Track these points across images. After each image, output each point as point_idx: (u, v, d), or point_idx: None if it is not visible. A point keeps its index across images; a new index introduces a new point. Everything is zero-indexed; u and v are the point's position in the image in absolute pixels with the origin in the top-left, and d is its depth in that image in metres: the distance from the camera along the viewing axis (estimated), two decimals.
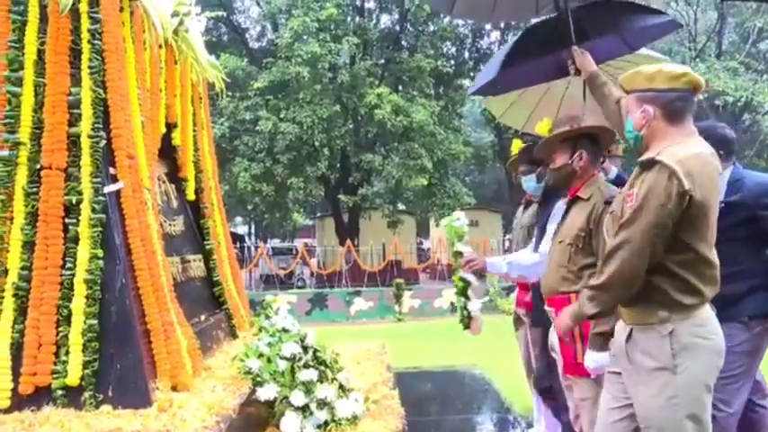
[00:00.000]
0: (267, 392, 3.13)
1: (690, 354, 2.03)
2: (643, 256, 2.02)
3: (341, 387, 3.66)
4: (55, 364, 2.71)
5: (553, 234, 2.90)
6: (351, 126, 17.90)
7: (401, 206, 20.17)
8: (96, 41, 2.98)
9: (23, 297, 2.77)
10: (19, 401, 2.67)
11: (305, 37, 16.13)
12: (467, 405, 5.27)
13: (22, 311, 2.76)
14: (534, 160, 3.42)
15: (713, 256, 2.09)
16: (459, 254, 3.29)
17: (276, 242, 31.26)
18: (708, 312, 2.10)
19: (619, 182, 3.22)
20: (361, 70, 17.03)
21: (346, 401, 3.59)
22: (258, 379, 3.15)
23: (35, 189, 2.88)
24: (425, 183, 17.00)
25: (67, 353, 2.71)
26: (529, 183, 3.57)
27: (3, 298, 2.76)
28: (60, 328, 2.75)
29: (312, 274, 19.63)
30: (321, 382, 3.52)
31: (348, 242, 14.89)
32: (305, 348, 3.40)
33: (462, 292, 3.29)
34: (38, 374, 2.69)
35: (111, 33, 3.01)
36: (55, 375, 2.70)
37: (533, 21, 3.92)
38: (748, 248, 2.94)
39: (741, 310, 2.88)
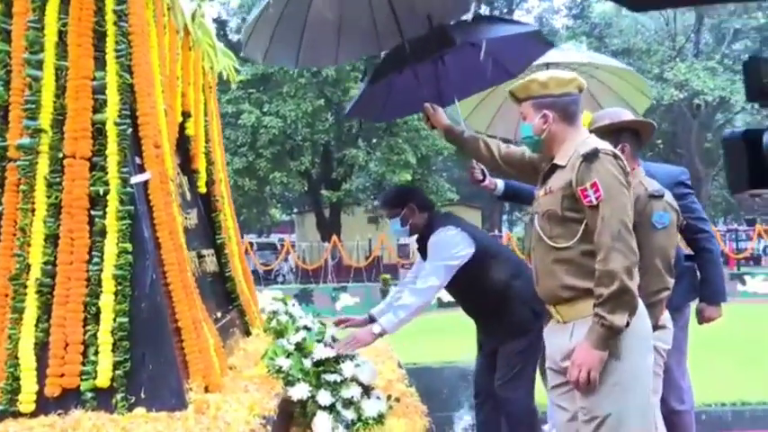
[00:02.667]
0: (299, 392, 3.02)
1: (629, 338, 2.09)
2: (631, 237, 2.08)
3: (362, 385, 3.57)
4: (83, 364, 2.55)
5: None
6: (334, 121, 17.74)
7: None
8: (122, 23, 2.81)
9: (47, 294, 2.60)
10: (45, 404, 2.51)
11: None
12: None
13: (46, 309, 2.59)
14: (395, 204, 3.40)
15: None
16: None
17: (252, 237, 30.94)
18: None
19: None
20: (346, 64, 16.88)
21: (370, 401, 3.50)
22: (290, 378, 3.04)
23: (58, 179, 2.70)
24: (409, 178, 16.97)
25: (96, 353, 2.55)
26: (396, 228, 3.46)
27: (25, 295, 2.59)
28: (88, 327, 2.58)
29: (292, 270, 19.45)
30: (344, 381, 3.42)
31: (334, 238, 14.76)
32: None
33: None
34: (65, 376, 2.53)
35: (137, 15, 2.85)
36: (84, 377, 2.53)
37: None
38: None
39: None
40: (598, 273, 2.07)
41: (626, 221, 2.08)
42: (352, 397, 3.34)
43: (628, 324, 2.06)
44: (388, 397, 3.78)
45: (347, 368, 3.38)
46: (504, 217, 31.26)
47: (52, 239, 2.66)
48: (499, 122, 4.95)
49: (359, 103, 3.74)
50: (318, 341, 3.53)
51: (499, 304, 3.25)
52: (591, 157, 2.12)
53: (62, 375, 2.53)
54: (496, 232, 22.87)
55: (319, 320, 4.01)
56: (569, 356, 2.15)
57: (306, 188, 19.21)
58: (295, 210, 28.96)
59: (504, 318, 3.25)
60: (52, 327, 2.57)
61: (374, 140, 18.64)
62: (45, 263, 2.63)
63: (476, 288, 3.29)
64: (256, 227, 31.95)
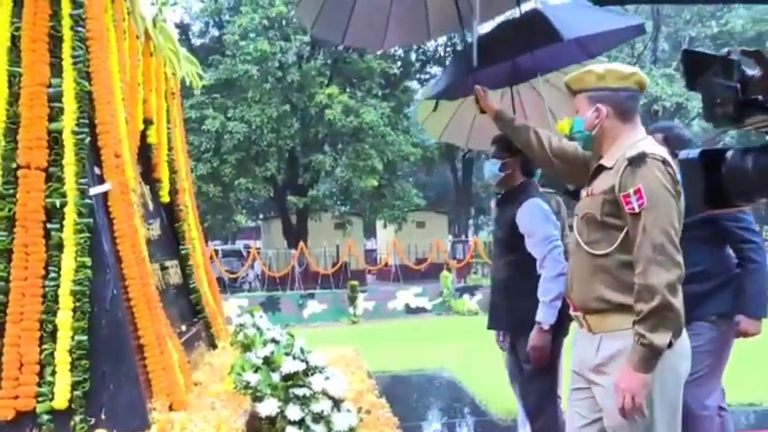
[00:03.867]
0: (268, 407, 2.93)
1: (662, 357, 1.94)
2: (675, 250, 1.92)
3: (332, 399, 3.50)
4: (39, 385, 2.43)
5: None
6: (299, 126, 17.60)
7: (348, 208, 20.05)
8: (80, 28, 2.70)
9: (1, 312, 2.47)
10: None
11: (252, 35, 15.75)
12: (449, 410, 5.20)
13: None
14: (508, 149, 3.21)
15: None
16: None
17: (218, 243, 30.43)
18: None
19: None
20: (311, 70, 16.78)
21: (341, 414, 3.43)
22: (258, 393, 2.95)
23: (11, 191, 2.58)
24: (375, 184, 16.93)
25: (54, 373, 2.44)
26: (491, 167, 3.30)
27: None
28: (44, 346, 2.47)
29: (258, 277, 19.19)
30: (314, 395, 3.35)
31: (301, 244, 14.61)
32: (305, 362, 3.22)
33: None
34: (20, 398, 2.41)
35: (95, 20, 2.75)
36: (40, 398, 2.41)
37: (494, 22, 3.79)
38: (710, 247, 2.96)
39: (708, 309, 2.89)
40: (637, 287, 1.91)
41: (670, 233, 1.91)
42: (322, 411, 3.26)
43: (671, 344, 1.90)
44: (359, 409, 3.72)
45: (316, 381, 3.31)
46: (471, 221, 31.47)
47: (5, 254, 2.54)
48: (475, 137, 4.89)
49: (447, 86, 3.57)
50: (287, 354, 3.45)
51: (526, 287, 3.08)
52: (637, 161, 1.96)
53: (16, 397, 2.41)
54: (463, 237, 23.02)
55: (288, 332, 3.91)
56: (595, 370, 2.05)
57: (271, 194, 19.00)
58: (261, 216, 28.62)
59: (520, 303, 3.12)
60: (6, 346, 2.45)
61: (340, 146, 18.55)
62: None
63: (516, 257, 3.15)
64: (221, 233, 31.49)
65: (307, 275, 15.38)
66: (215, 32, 19.42)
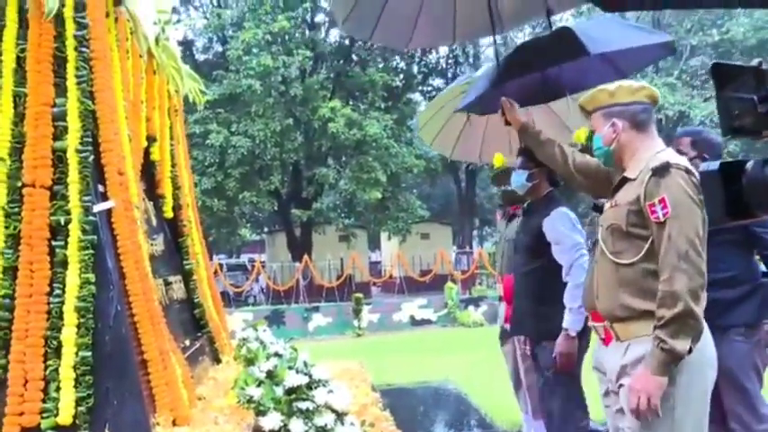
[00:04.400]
0: (271, 422, 2.95)
1: (686, 364, 1.97)
2: (700, 258, 1.96)
3: (336, 412, 3.51)
4: (44, 401, 2.45)
5: None
6: (303, 140, 17.68)
7: (352, 220, 20.09)
8: (83, 48, 2.75)
9: (6, 328, 2.51)
10: None
11: (255, 50, 15.88)
12: (454, 422, 5.19)
13: (4, 344, 2.50)
14: (534, 159, 3.21)
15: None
16: None
17: (222, 257, 30.48)
18: None
19: None
20: (314, 84, 16.89)
21: (344, 427, 3.44)
22: (261, 407, 2.97)
23: (16, 209, 2.62)
24: (379, 196, 16.95)
25: (58, 389, 2.46)
26: (519, 177, 3.38)
27: None
28: (49, 362, 2.49)
29: (263, 291, 19.20)
30: (317, 409, 3.36)
31: (305, 257, 14.63)
32: (308, 376, 3.23)
33: None
34: (25, 414, 2.43)
35: (98, 40, 2.80)
36: (44, 414, 2.43)
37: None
38: (741, 252, 2.94)
39: (737, 317, 2.86)
40: (661, 293, 1.95)
41: (695, 241, 1.95)
42: (326, 425, 3.27)
43: (691, 350, 1.93)
44: (363, 422, 3.73)
45: (320, 395, 3.32)
46: (475, 232, 31.46)
47: (10, 271, 2.58)
48: (461, 150, 4.93)
49: (476, 99, 3.56)
50: (290, 368, 3.47)
51: (551, 294, 3.14)
52: (661, 171, 2.00)
53: (21, 414, 2.44)
54: (467, 248, 23.00)
55: (291, 345, 3.93)
56: (622, 376, 2.07)
57: (276, 207, 19.05)
58: (265, 229, 28.66)
59: (544, 309, 3.16)
60: (11, 362, 2.48)
61: (343, 159, 18.61)
62: (3, 296, 2.54)
63: (542, 263, 3.20)
64: (226, 247, 31.54)
65: (311, 288, 15.38)
66: (218, 48, 19.57)
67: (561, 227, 3.15)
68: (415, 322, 13.15)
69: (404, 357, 8.97)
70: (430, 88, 23.98)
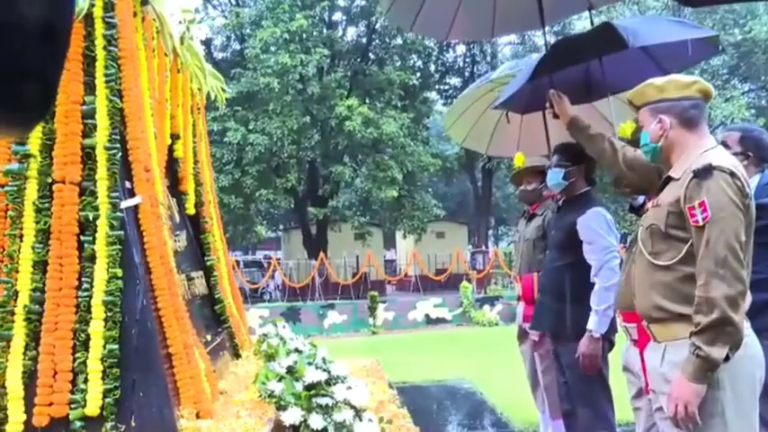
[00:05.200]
0: (292, 416, 2.98)
1: (732, 366, 1.90)
2: (740, 265, 1.89)
3: (354, 408, 3.55)
4: (72, 392, 2.52)
5: None
6: (320, 138, 17.75)
7: (368, 218, 20.13)
8: (112, 48, 2.81)
9: (36, 321, 2.57)
10: None
11: (273, 48, 15.96)
12: (469, 420, 5.20)
13: (34, 337, 2.56)
14: (571, 158, 3.26)
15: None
16: None
17: (238, 254, 30.67)
18: None
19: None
20: (332, 82, 16.94)
21: (362, 423, 3.47)
22: (282, 402, 3.01)
23: (47, 204, 2.69)
24: (395, 195, 16.97)
25: (86, 381, 2.52)
26: (555, 176, 3.34)
27: (13, 322, 2.55)
28: (77, 354, 2.56)
29: (279, 288, 19.32)
30: (336, 405, 3.40)
31: (321, 255, 14.70)
32: (327, 372, 3.27)
33: None
34: (54, 405, 2.49)
35: (126, 39, 2.86)
36: (72, 405, 2.50)
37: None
38: None
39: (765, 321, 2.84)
40: (697, 299, 1.89)
41: (735, 247, 1.87)
42: (345, 420, 3.30)
43: (728, 358, 1.86)
44: (380, 419, 3.76)
45: (339, 391, 3.36)
46: (490, 232, 31.36)
47: (41, 266, 2.64)
48: (498, 143, 4.90)
49: (513, 95, 3.55)
50: (309, 364, 3.51)
51: (577, 292, 3.12)
52: (703, 173, 1.93)
53: (50, 404, 2.50)
54: (483, 248, 22.95)
55: (310, 342, 3.98)
56: (662, 379, 2.03)
57: (292, 205, 19.14)
58: (281, 227, 28.81)
59: (568, 307, 3.15)
60: (41, 355, 2.54)
61: (360, 157, 18.66)
62: (33, 289, 2.60)
63: (572, 261, 3.19)
64: (242, 244, 31.75)
65: (327, 286, 15.45)
66: (236, 46, 19.71)
67: (596, 226, 3.12)
68: (430, 321, 13.16)
69: (419, 355, 8.99)
70: (447, 87, 23.94)
